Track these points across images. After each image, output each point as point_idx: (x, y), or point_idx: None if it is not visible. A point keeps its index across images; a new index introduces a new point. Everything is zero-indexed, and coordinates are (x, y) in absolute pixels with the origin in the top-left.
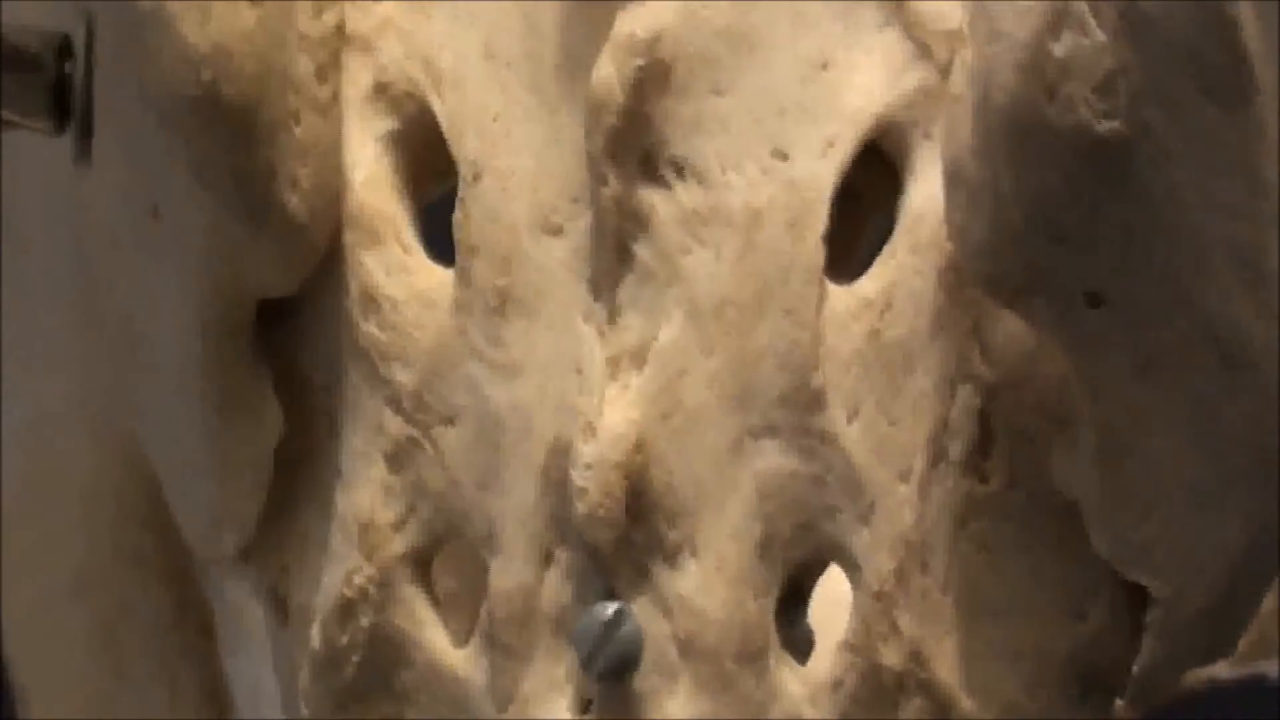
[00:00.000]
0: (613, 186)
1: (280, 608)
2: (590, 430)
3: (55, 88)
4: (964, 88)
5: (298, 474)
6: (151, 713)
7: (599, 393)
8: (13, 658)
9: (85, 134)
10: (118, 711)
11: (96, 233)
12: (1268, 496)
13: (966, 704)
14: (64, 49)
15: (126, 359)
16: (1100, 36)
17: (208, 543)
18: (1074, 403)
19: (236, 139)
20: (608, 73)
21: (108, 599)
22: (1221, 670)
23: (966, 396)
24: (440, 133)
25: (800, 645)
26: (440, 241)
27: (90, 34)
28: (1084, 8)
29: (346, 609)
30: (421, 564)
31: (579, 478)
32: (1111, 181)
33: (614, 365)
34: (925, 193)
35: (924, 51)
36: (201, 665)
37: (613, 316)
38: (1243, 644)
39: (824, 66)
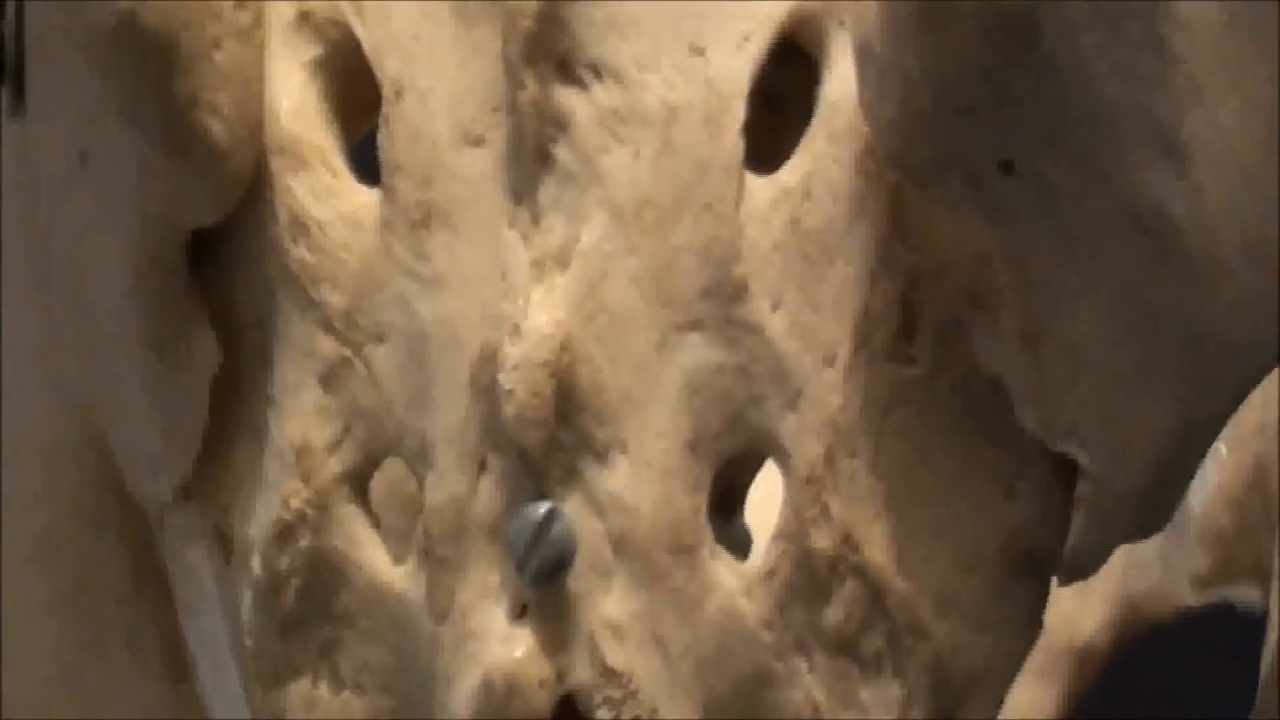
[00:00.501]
0: (530, 90)
1: (224, 546)
2: (516, 332)
3: None
4: None
5: (233, 410)
6: (118, 678)
7: (524, 295)
8: None
9: (18, 88)
10: (83, 680)
11: (35, 186)
12: (1195, 371)
13: (900, 586)
14: None
15: (69, 311)
16: None
17: (149, 486)
18: (995, 285)
19: (157, 69)
20: None
21: (71, 566)
22: (1189, 598)
23: (888, 283)
24: (366, 61)
25: (737, 545)
26: (373, 174)
27: None
28: None
29: (285, 533)
30: (358, 484)
31: (506, 380)
32: (1018, 52)
33: (538, 268)
34: (841, 80)
35: None
36: (164, 628)
37: (535, 220)
38: (1208, 567)
39: None
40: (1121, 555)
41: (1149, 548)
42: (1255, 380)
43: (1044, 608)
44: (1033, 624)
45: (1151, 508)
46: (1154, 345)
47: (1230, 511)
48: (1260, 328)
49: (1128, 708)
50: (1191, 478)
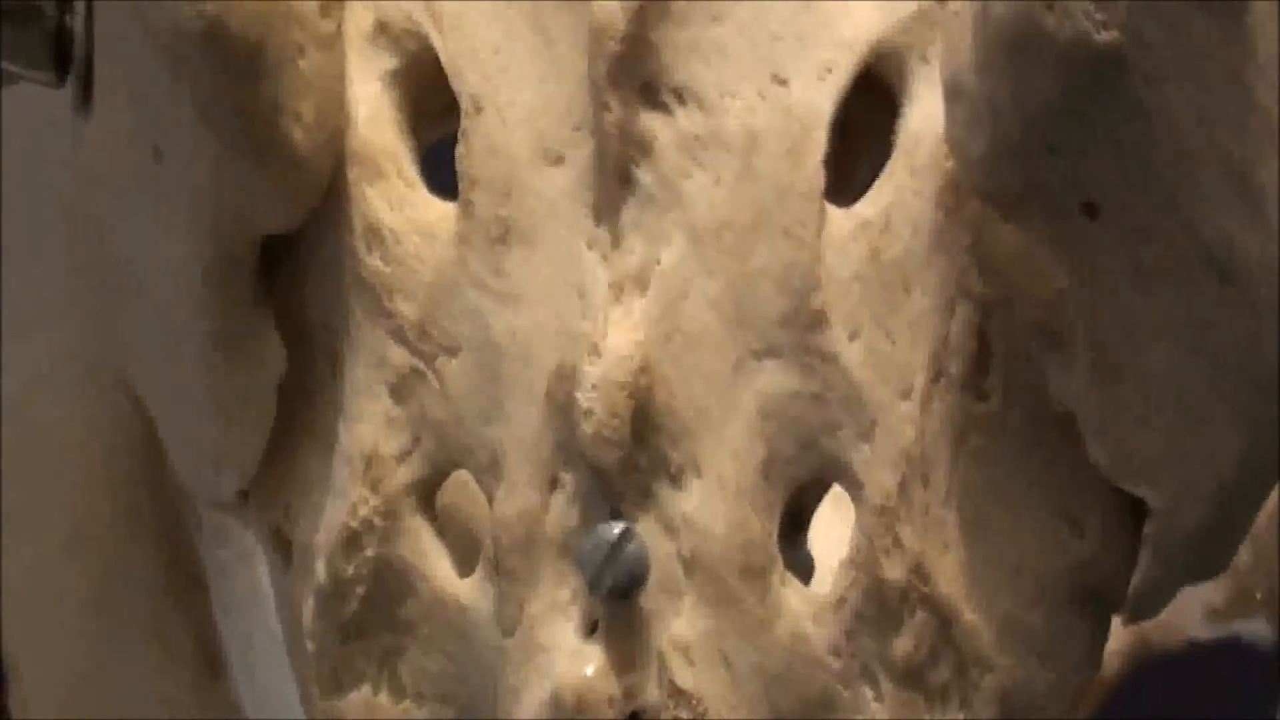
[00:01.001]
0: (615, 113)
1: (283, 549)
2: (595, 351)
3: (56, 38)
4: (963, 3)
5: (298, 413)
6: (145, 674)
7: (603, 315)
8: (5, 623)
9: (86, 84)
10: (110, 674)
11: (96, 182)
12: (1263, 413)
13: (968, 617)
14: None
15: (125, 307)
16: None
17: (208, 486)
18: (1070, 319)
19: (241, 73)
20: (610, 1)
21: (101, 559)
22: (1200, 631)
23: (965, 314)
24: (440, 71)
25: (801, 570)
26: (442, 183)
27: None
28: None
29: (351, 541)
30: (426, 495)
31: (584, 398)
32: (1107, 93)
33: (617, 289)
34: (922, 115)
35: None
36: (195, 624)
37: (615, 241)
38: (1223, 600)
39: None
40: None
41: None
42: None
43: (1104, 646)
44: (1093, 661)
45: (1216, 547)
46: (1223, 384)
47: (1247, 545)
48: None
49: None
50: (1254, 518)
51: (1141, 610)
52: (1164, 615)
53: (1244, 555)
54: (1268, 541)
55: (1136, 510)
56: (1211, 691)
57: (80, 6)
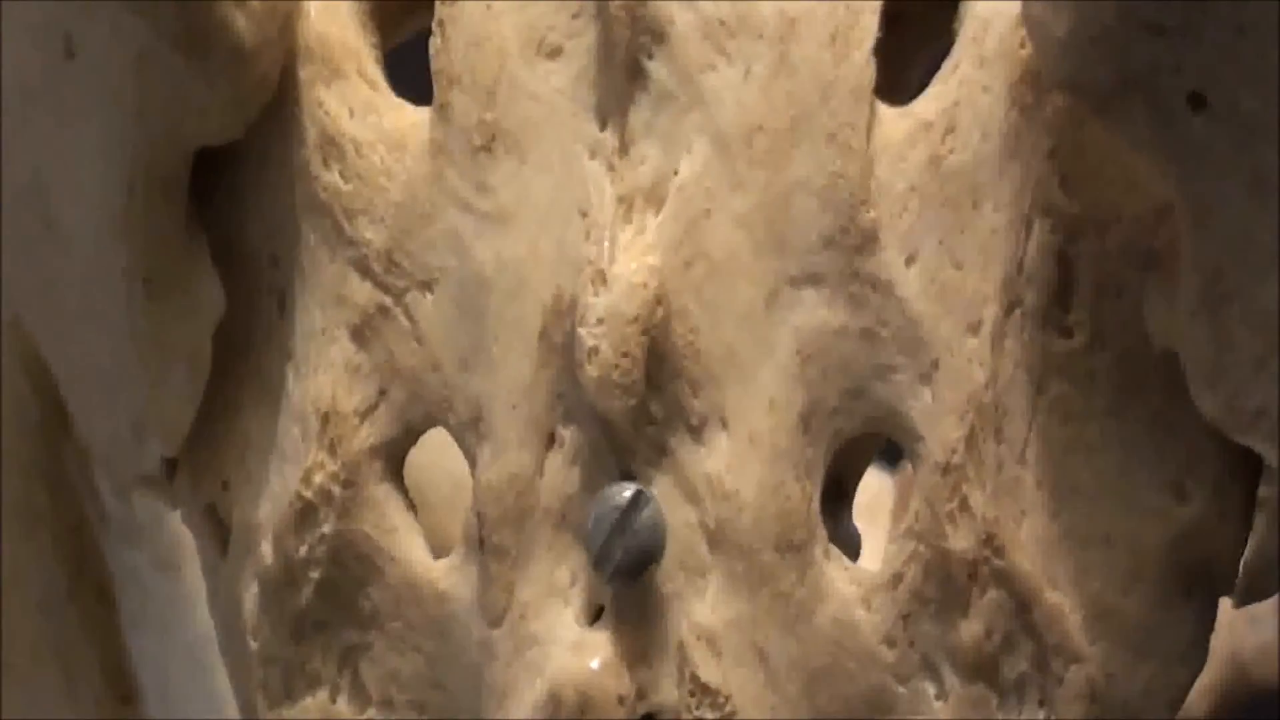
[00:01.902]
0: None
1: (219, 531)
2: (601, 279)
3: None
4: None
5: (237, 364)
6: (43, 701)
7: (610, 237)
8: None
9: None
10: (9, 706)
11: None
12: None
13: (1051, 598)
14: None
15: (28, 247)
16: None
17: (128, 457)
18: (1173, 238)
19: None
20: None
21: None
22: None
23: (1044, 234)
24: None
25: (846, 545)
26: (411, 88)
27: None
28: None
29: (305, 514)
30: (394, 458)
31: (589, 335)
32: None
33: (626, 205)
34: (991, 3)
35: None
36: (103, 640)
37: (624, 148)
38: None
39: None
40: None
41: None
42: None
43: (1210, 633)
44: (1199, 651)
45: None
46: None
47: None
48: None
49: None
50: None
51: (1255, 590)
52: (1266, 640)
53: None
54: None
55: (1249, 469)
56: None
57: None
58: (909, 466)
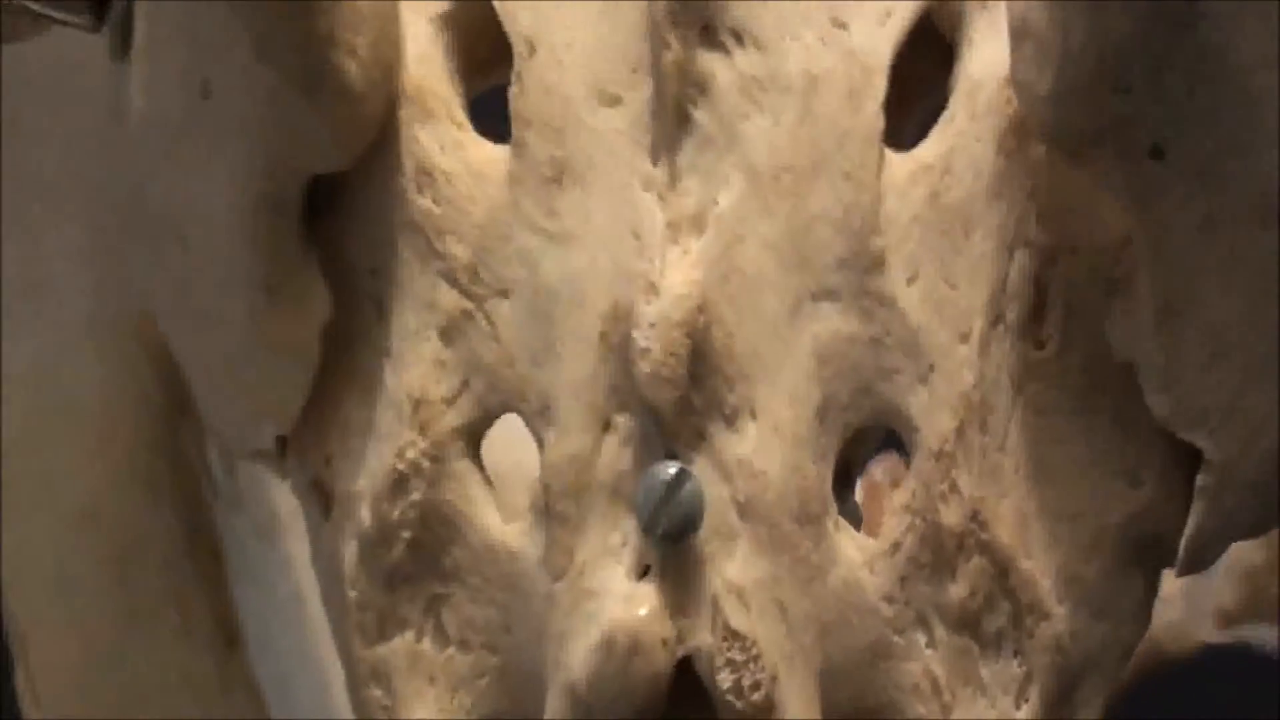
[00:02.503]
0: (674, 52)
1: (323, 499)
2: (653, 290)
3: None
4: None
5: (342, 359)
6: (162, 646)
7: (660, 255)
8: (11, 602)
9: (125, 31)
10: (127, 647)
11: (133, 130)
12: None
13: (1025, 565)
14: None
15: (163, 259)
16: None
17: (246, 435)
18: (1132, 266)
19: (297, 6)
20: None
21: (119, 530)
22: (1211, 635)
23: (1023, 261)
24: (490, 16)
25: (850, 520)
26: (487, 133)
27: None
28: None
29: (399, 484)
30: (474, 439)
31: (642, 338)
32: (1177, 34)
33: (674, 229)
34: (982, 61)
35: None
36: (212, 594)
37: (672, 182)
38: (1235, 603)
39: None
40: None
41: (1173, 584)
42: None
43: (1154, 600)
44: (1144, 615)
45: (1272, 501)
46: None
47: (1262, 548)
48: None
49: None
50: None
51: (1193, 563)
52: (1175, 619)
53: (1257, 558)
54: None
55: (1191, 461)
56: (1218, 698)
57: None
58: (872, 471)
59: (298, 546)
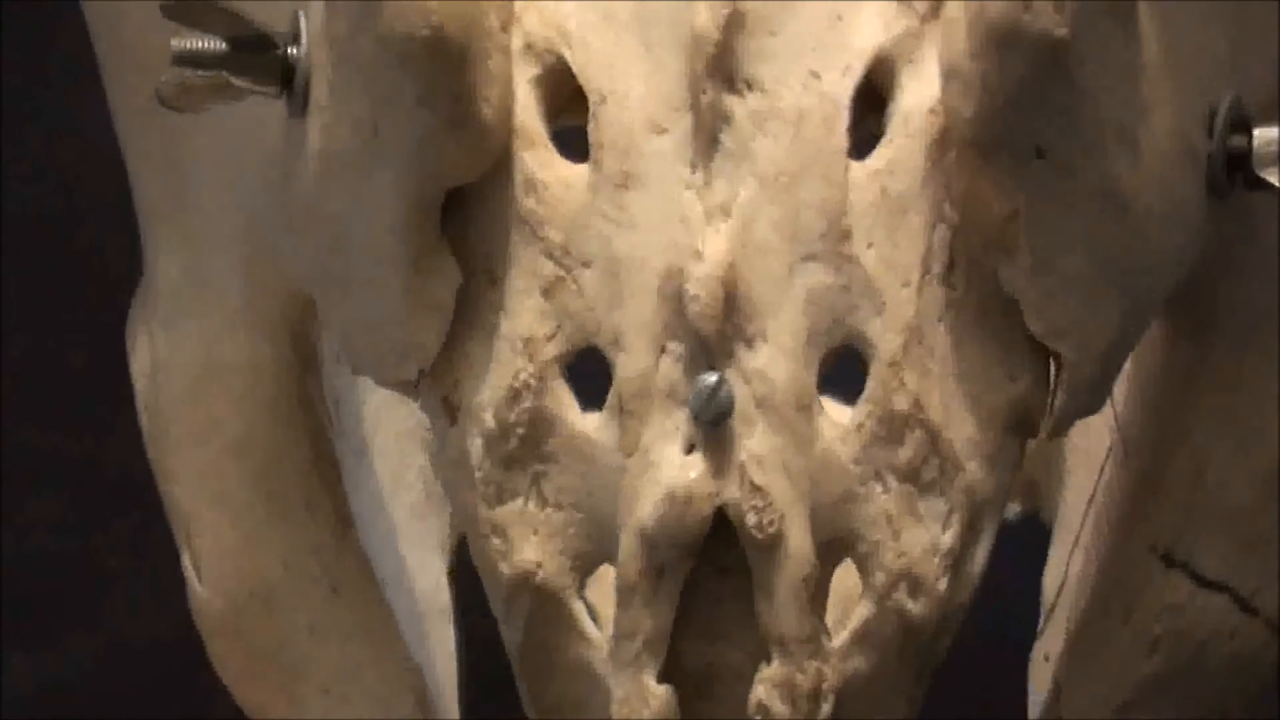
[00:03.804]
0: (709, 95)
1: (450, 412)
2: (698, 256)
3: (282, 64)
4: (958, 13)
5: (464, 314)
6: (297, 531)
7: (701, 234)
8: (180, 509)
9: (305, 94)
10: (272, 532)
11: (310, 163)
12: (1134, 299)
13: (947, 435)
14: (292, 36)
15: (324, 255)
16: None
17: (393, 372)
18: (1015, 234)
19: (452, 66)
20: (705, 18)
21: (264, 453)
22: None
23: (942, 232)
24: (569, 76)
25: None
26: (574, 154)
27: (301, 27)
28: None
29: (514, 396)
30: (566, 365)
31: (693, 288)
32: (1059, 73)
33: (709, 216)
34: (911, 99)
35: (906, 8)
36: (332, 493)
37: (707, 183)
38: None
39: (840, 18)
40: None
41: None
42: (1168, 292)
43: (1023, 457)
44: (1018, 467)
45: (1102, 387)
46: (1111, 278)
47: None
48: (1176, 256)
49: None
50: (1119, 372)
51: (1055, 431)
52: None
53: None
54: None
55: (1054, 364)
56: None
57: (302, 43)
58: None
59: (379, 462)
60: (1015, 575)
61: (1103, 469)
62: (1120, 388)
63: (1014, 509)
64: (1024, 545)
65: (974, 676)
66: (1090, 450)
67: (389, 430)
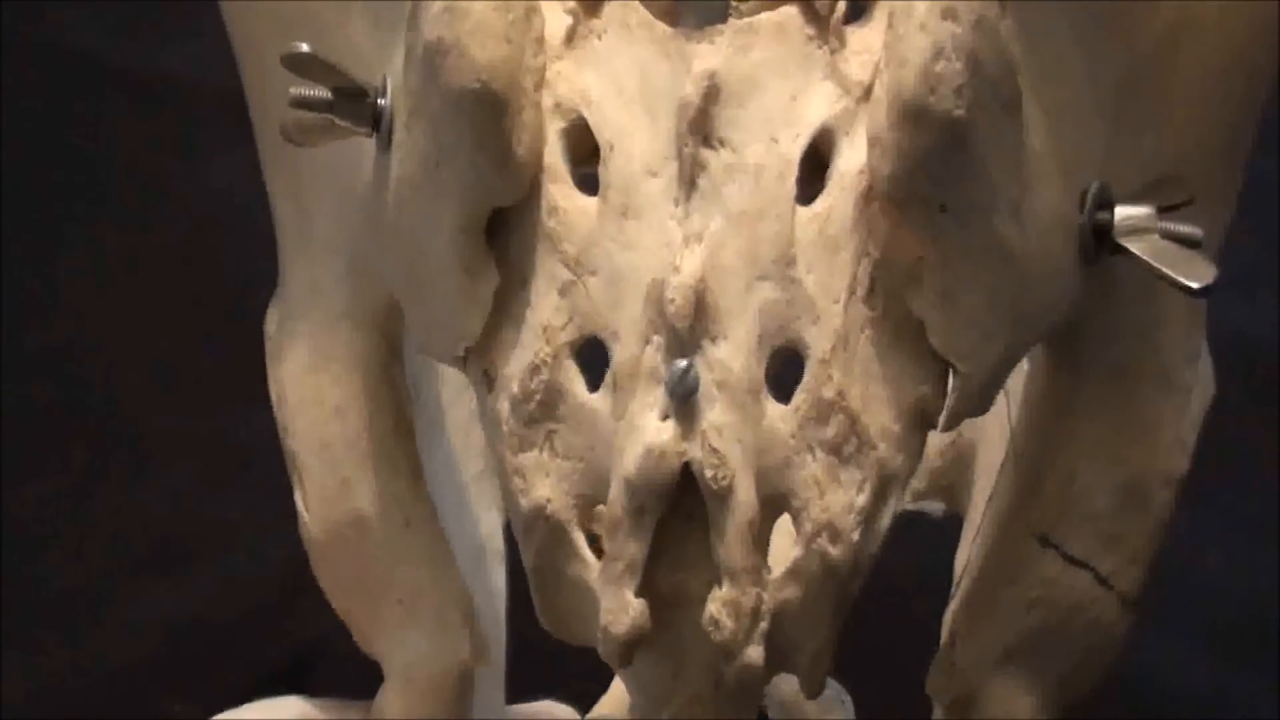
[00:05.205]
0: (690, 149)
1: (488, 382)
2: (677, 271)
3: (373, 110)
4: (881, 93)
5: (501, 307)
6: (382, 480)
7: (680, 254)
8: (296, 458)
9: (389, 137)
10: (363, 480)
11: (391, 189)
12: (1016, 328)
13: (864, 419)
14: (380, 88)
15: (401, 260)
16: (958, 65)
17: (449, 350)
18: (922, 269)
19: (497, 115)
20: (690, 90)
21: (358, 419)
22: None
23: (866, 265)
24: (587, 130)
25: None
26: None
27: (387, 83)
28: (949, 48)
29: (533, 370)
30: (575, 350)
31: (670, 293)
32: (959, 145)
33: (687, 241)
34: (845, 161)
35: (845, 90)
36: (410, 457)
37: (687, 216)
38: (921, 484)
39: (794, 97)
40: None
41: None
42: (1047, 330)
43: (924, 447)
44: (920, 455)
45: (989, 394)
46: (1001, 312)
47: (938, 456)
48: (1053, 303)
49: None
50: (1003, 384)
51: (948, 426)
52: None
53: (936, 459)
54: (962, 445)
55: (949, 372)
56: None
57: (388, 94)
58: None
59: (450, 435)
60: (939, 560)
61: (999, 475)
62: (1015, 410)
63: (939, 507)
64: (949, 536)
65: (910, 631)
66: (992, 463)
67: (458, 412)
